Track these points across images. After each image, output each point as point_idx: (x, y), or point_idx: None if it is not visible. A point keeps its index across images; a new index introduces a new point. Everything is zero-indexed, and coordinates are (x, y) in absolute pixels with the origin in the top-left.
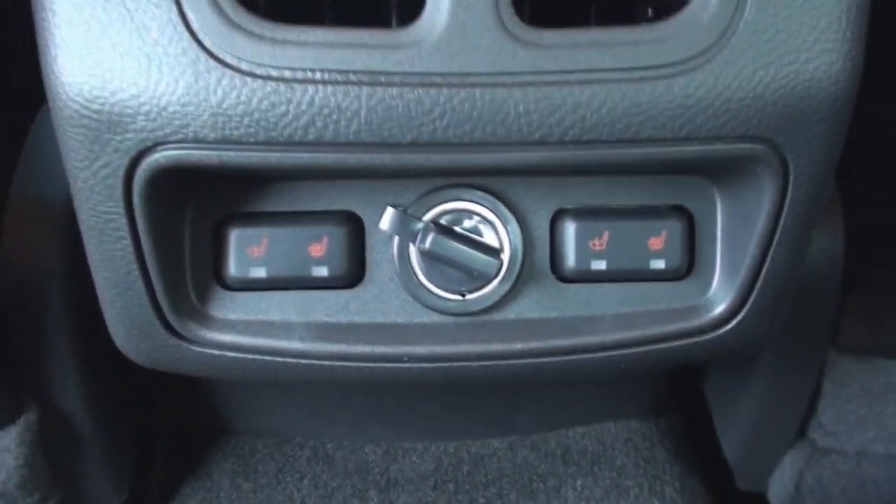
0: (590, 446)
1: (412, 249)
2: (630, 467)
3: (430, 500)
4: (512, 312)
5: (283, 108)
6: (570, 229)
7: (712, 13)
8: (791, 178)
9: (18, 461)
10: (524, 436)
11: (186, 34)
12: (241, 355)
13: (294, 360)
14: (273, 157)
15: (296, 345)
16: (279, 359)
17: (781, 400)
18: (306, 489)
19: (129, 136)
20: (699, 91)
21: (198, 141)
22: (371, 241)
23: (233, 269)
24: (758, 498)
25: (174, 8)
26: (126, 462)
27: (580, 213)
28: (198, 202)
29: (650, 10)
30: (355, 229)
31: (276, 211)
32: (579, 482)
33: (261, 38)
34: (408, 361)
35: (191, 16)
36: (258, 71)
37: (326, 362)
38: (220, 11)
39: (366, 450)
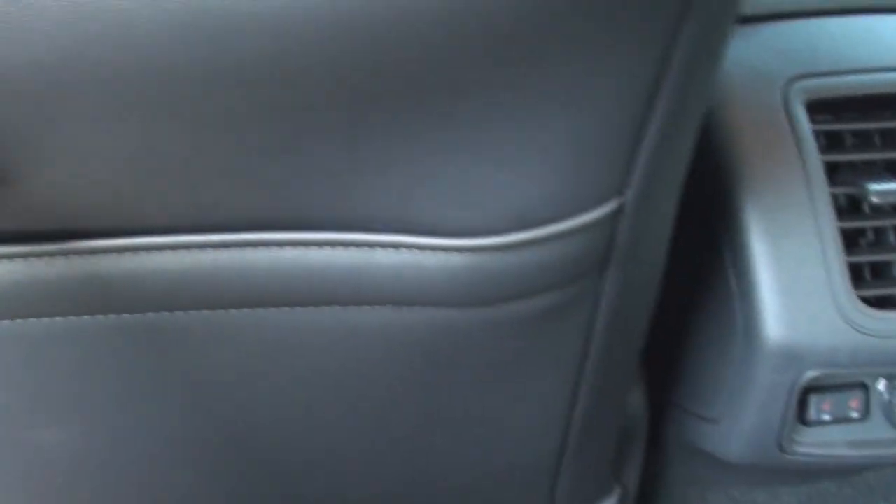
0: None
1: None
2: None
3: None
4: None
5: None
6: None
7: None
8: None
9: None
10: None
11: (840, 319)
12: (809, 458)
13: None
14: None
15: (841, 452)
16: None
17: None
18: None
19: (803, 363)
20: None
21: (837, 365)
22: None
23: (813, 416)
24: None
25: (836, 312)
26: None
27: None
28: None
29: None
30: (867, 392)
31: (828, 385)
32: None
33: (879, 318)
34: None
35: (846, 308)
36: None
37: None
38: (856, 306)
39: None
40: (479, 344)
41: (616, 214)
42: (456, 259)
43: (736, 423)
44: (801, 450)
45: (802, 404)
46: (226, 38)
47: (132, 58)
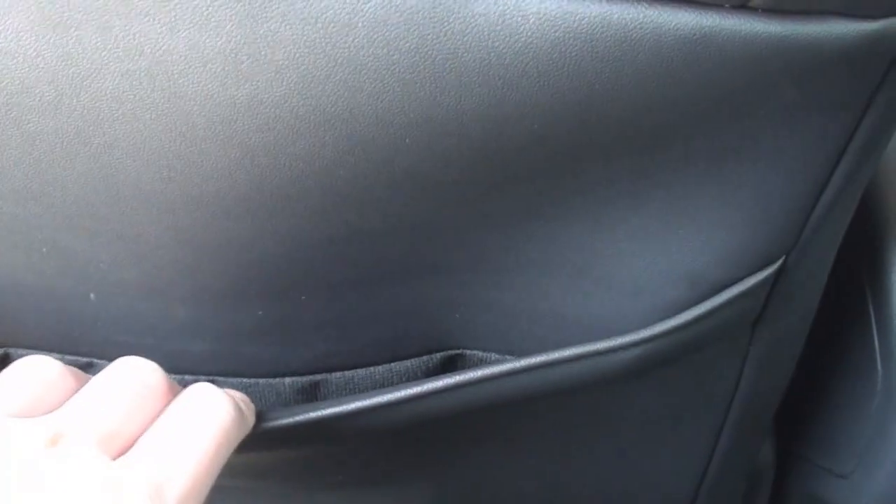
0: None
1: None
2: None
3: None
4: None
5: None
6: None
7: None
8: None
9: None
10: None
11: None
12: None
13: None
14: None
15: None
16: None
17: None
18: None
19: None
20: None
21: None
22: None
23: None
24: None
25: None
26: None
27: None
28: None
29: None
30: None
31: None
32: None
33: None
34: None
35: None
36: None
37: None
38: None
39: None
40: (635, 402)
41: (779, 273)
42: (634, 351)
43: (867, 478)
44: None
45: None
46: (450, 90)
47: (359, 102)
